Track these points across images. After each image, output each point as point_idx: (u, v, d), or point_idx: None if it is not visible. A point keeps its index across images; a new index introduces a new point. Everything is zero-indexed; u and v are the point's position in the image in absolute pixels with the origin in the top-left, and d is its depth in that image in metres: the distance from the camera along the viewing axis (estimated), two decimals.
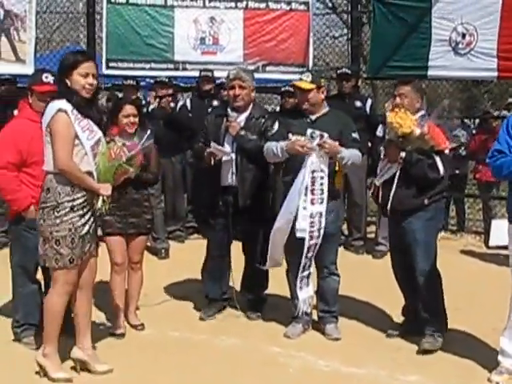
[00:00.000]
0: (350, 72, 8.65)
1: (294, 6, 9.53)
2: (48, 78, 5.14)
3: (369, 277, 7.05)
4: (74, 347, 4.76)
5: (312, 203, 5.21)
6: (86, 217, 4.56)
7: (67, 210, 4.49)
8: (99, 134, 4.61)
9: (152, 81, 9.10)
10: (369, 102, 8.73)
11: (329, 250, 5.46)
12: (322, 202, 5.23)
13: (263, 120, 5.83)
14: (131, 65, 9.26)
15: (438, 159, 5.06)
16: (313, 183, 5.20)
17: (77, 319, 4.76)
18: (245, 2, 9.47)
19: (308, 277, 5.41)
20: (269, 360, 5.00)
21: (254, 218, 5.77)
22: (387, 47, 9.03)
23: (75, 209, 4.50)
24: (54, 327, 4.62)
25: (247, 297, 6.01)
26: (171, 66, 9.32)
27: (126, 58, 9.25)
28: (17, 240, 5.19)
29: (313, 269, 5.42)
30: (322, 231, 5.25)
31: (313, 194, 5.22)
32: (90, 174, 4.54)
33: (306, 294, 5.43)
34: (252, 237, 5.86)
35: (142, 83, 9.75)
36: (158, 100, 8.28)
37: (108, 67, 9.22)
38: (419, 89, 5.37)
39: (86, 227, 4.57)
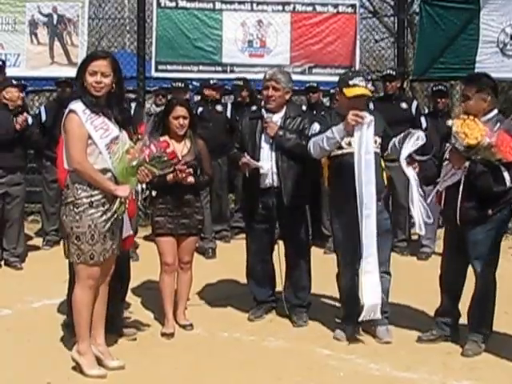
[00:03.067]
0: (394, 73, 8.66)
1: (341, 8, 9.60)
2: None
3: (415, 278, 7.04)
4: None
5: None
6: (109, 214, 4.57)
7: (86, 206, 4.53)
8: (115, 132, 4.60)
9: (198, 84, 9.24)
10: (414, 103, 8.73)
11: (384, 247, 5.39)
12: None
13: (299, 119, 5.76)
14: (180, 67, 9.44)
15: (505, 172, 4.85)
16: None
17: (94, 315, 4.76)
18: (292, 5, 9.60)
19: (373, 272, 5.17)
20: (318, 363, 5.01)
21: (297, 219, 5.73)
22: (434, 49, 9.07)
23: (94, 205, 4.53)
24: (82, 323, 4.67)
25: (292, 302, 5.90)
26: (219, 68, 9.48)
27: (174, 61, 9.42)
28: None
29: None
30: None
31: None
32: (106, 171, 4.57)
33: (374, 300, 5.17)
34: (295, 239, 5.81)
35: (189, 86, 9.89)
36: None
37: (157, 70, 9.38)
38: (487, 87, 5.05)
39: (108, 224, 4.58)
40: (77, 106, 4.55)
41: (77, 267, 4.66)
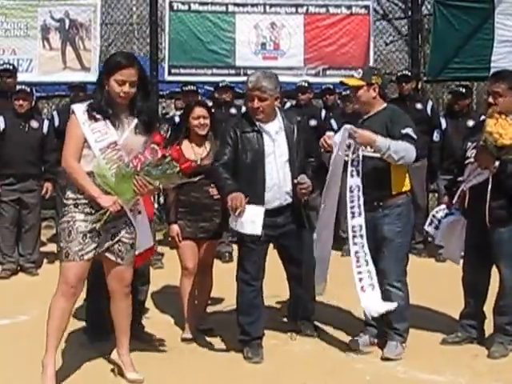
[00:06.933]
0: (409, 74, 8.63)
1: (354, 10, 9.59)
2: None
3: (434, 280, 6.99)
4: (115, 349, 4.80)
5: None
6: (93, 217, 4.39)
7: (71, 206, 4.45)
8: (114, 137, 4.47)
9: (212, 88, 9.23)
10: (429, 104, 8.71)
11: (386, 258, 5.08)
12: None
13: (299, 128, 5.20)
14: (193, 71, 9.44)
15: None
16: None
17: (114, 325, 4.76)
18: (305, 7, 9.60)
19: (371, 276, 4.96)
20: (344, 366, 4.96)
21: (306, 237, 5.33)
22: (448, 49, 9.04)
23: (79, 207, 4.43)
24: (49, 331, 4.48)
25: (298, 324, 5.62)
26: (232, 71, 9.46)
27: (188, 64, 9.43)
28: None
29: (372, 266, 4.99)
30: (362, 208, 4.97)
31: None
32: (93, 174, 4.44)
33: (371, 302, 4.96)
34: (304, 259, 5.32)
35: (201, 90, 9.91)
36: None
37: (170, 73, 9.39)
38: None
39: (89, 226, 4.40)
40: (78, 107, 4.52)
41: (60, 270, 4.53)
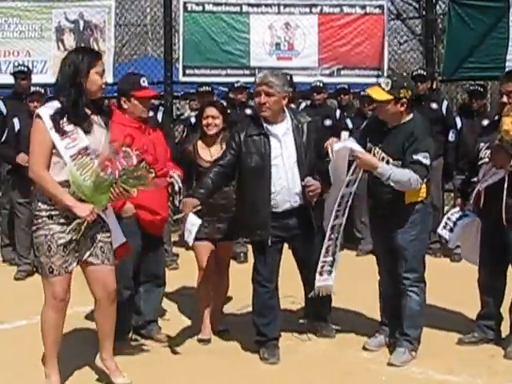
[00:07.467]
0: (425, 73, 8.60)
1: (368, 9, 9.58)
2: (145, 82, 5.17)
3: (450, 280, 6.96)
4: (98, 355, 4.70)
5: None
6: (71, 226, 4.20)
7: (44, 218, 4.22)
8: (85, 142, 4.22)
9: (226, 89, 9.24)
10: (445, 103, 8.67)
11: (402, 266, 4.99)
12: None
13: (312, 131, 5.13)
14: (208, 71, 9.45)
15: None
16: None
17: (98, 329, 4.59)
18: (319, 7, 9.58)
19: (332, 264, 5.09)
20: (359, 367, 4.95)
21: (317, 239, 5.21)
22: (463, 48, 9.02)
23: (54, 218, 4.22)
24: (47, 344, 4.40)
25: (314, 325, 5.62)
26: (247, 71, 9.45)
27: (202, 65, 9.45)
28: None
29: (337, 257, 5.13)
30: (347, 210, 4.97)
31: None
32: (68, 183, 4.21)
33: (324, 284, 5.13)
34: (308, 259, 5.23)
35: (216, 91, 9.93)
36: None
37: (184, 74, 9.41)
38: None
39: (68, 237, 4.22)
40: (44, 111, 4.25)
41: (43, 283, 4.37)
